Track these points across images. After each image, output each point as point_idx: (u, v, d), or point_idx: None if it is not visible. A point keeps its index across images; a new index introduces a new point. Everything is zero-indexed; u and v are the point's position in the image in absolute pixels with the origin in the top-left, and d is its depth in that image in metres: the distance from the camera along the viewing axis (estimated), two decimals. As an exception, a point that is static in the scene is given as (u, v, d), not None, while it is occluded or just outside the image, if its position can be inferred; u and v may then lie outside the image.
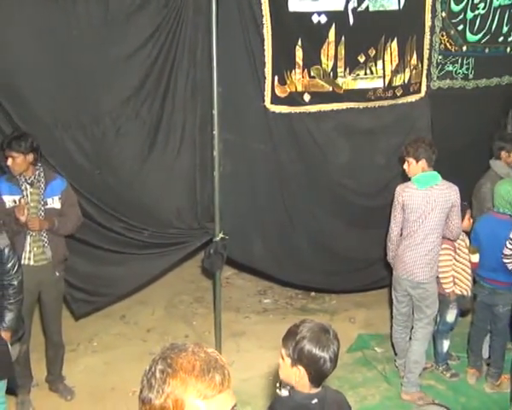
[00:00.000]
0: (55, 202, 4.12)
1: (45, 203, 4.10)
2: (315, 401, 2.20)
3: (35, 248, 4.09)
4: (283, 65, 4.62)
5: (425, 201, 4.19)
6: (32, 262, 4.09)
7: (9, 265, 3.45)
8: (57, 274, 4.19)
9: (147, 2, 4.29)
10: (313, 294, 6.10)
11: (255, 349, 5.04)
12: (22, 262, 3.98)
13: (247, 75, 4.64)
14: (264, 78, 4.59)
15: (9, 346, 3.48)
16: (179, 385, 1.30)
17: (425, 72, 5.17)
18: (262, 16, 4.45)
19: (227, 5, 4.42)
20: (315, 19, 4.58)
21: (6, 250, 3.43)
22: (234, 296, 6.15)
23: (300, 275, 5.38)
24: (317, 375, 2.18)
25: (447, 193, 4.19)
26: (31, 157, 3.98)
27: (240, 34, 4.53)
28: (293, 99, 4.72)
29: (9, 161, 3.96)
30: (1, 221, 3.85)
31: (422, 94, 5.21)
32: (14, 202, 4.03)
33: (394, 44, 4.90)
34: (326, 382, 2.31)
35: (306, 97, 4.76)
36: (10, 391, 4.02)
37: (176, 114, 4.59)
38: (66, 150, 4.36)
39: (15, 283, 3.47)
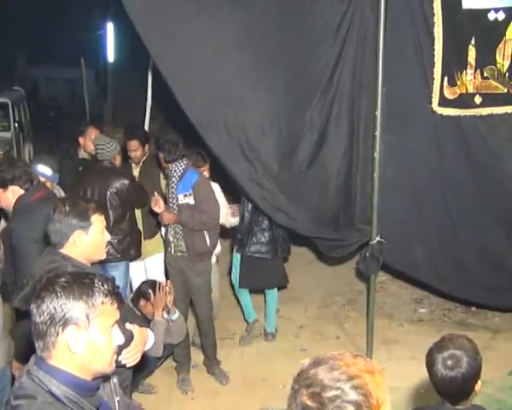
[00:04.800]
0: (186, 198, 4.29)
1: (177, 199, 4.33)
2: None
3: (174, 240, 4.38)
4: (454, 65, 4.43)
5: None
6: (172, 251, 4.42)
7: None
8: (191, 266, 4.37)
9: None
10: (474, 308, 5.72)
11: (407, 359, 4.85)
12: (167, 250, 4.45)
13: (415, 76, 4.53)
14: (433, 79, 4.45)
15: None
16: (373, 385, 1.29)
17: None
18: (433, 15, 4.33)
19: (396, 4, 4.35)
20: (491, 16, 4.33)
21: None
22: (388, 302, 6.01)
23: (462, 288, 5.07)
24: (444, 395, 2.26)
25: None
26: (160, 156, 4.37)
27: (409, 33, 4.44)
28: (463, 101, 4.49)
29: None
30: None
31: None
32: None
33: None
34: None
35: (477, 99, 4.50)
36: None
37: (342, 114, 4.61)
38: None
39: None
